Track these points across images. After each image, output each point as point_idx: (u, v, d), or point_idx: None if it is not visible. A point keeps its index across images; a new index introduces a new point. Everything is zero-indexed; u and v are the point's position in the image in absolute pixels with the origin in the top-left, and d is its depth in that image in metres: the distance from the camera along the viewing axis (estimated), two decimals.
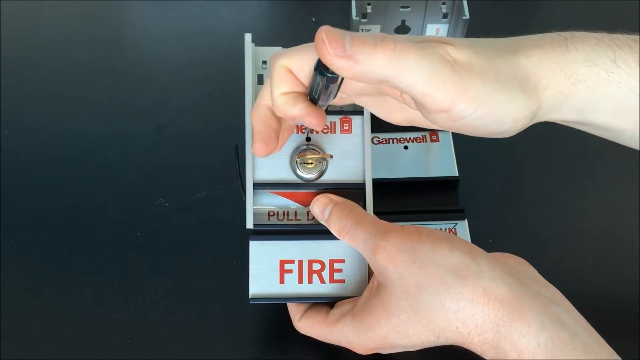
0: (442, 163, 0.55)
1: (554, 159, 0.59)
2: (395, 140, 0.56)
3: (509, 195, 0.57)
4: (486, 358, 0.38)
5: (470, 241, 0.51)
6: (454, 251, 0.39)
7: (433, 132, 0.56)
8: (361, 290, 0.44)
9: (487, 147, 0.60)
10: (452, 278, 0.38)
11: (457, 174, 0.54)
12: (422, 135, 0.56)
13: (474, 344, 0.38)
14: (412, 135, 0.56)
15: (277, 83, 0.37)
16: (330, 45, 0.33)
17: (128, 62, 0.66)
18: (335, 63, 0.33)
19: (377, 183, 0.54)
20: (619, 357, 0.37)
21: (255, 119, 0.40)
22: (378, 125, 0.57)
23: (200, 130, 0.61)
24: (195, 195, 0.56)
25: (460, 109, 0.34)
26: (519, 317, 0.36)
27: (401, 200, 0.54)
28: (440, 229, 0.52)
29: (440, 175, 0.54)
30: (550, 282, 0.40)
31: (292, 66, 0.37)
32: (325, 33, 0.33)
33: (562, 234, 0.54)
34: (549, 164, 0.59)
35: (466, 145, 0.57)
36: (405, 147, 0.56)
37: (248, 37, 0.44)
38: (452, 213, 0.53)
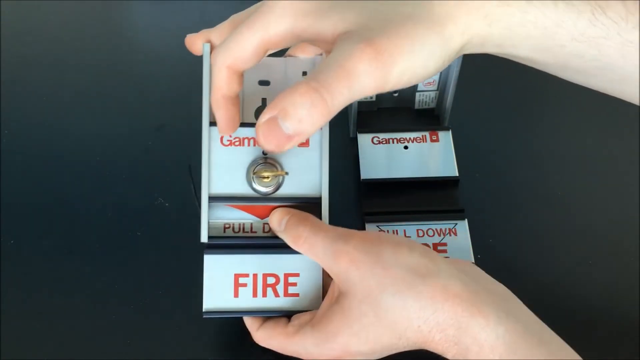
0: (442, 163, 0.55)
1: (554, 159, 0.59)
2: (395, 140, 0.56)
3: (509, 195, 0.57)
4: (447, 357, 0.39)
5: (470, 241, 0.52)
6: (413, 253, 0.40)
7: (433, 132, 0.56)
8: (315, 304, 0.44)
9: (487, 147, 0.60)
10: (413, 277, 0.39)
11: (457, 174, 0.54)
12: (422, 135, 0.56)
13: (435, 342, 0.39)
14: (412, 135, 0.56)
15: (219, 85, 0.40)
16: (276, 147, 0.35)
17: (128, 62, 0.66)
18: (286, 148, 0.35)
19: (377, 183, 0.54)
20: (569, 347, 0.39)
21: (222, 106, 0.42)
22: (378, 125, 0.58)
23: (200, 130, 0.61)
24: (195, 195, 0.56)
25: (389, 88, 0.36)
26: (478, 312, 0.38)
27: (401, 200, 0.54)
28: (441, 229, 0.52)
29: (440, 175, 0.54)
30: (550, 282, 0.40)
31: (235, 64, 0.39)
32: (264, 139, 0.35)
33: (562, 234, 0.54)
34: (549, 164, 0.59)
35: (466, 145, 0.57)
36: (405, 147, 0.56)
37: (207, 47, 0.42)
38: (452, 213, 0.53)
